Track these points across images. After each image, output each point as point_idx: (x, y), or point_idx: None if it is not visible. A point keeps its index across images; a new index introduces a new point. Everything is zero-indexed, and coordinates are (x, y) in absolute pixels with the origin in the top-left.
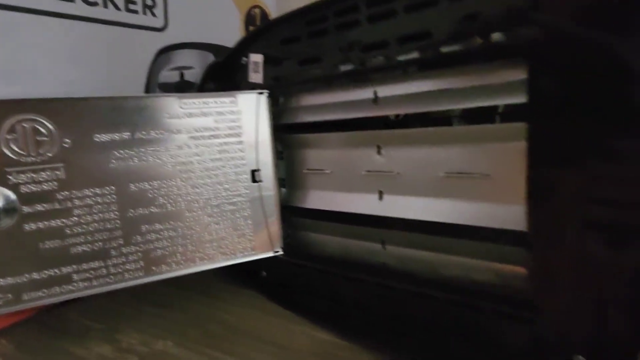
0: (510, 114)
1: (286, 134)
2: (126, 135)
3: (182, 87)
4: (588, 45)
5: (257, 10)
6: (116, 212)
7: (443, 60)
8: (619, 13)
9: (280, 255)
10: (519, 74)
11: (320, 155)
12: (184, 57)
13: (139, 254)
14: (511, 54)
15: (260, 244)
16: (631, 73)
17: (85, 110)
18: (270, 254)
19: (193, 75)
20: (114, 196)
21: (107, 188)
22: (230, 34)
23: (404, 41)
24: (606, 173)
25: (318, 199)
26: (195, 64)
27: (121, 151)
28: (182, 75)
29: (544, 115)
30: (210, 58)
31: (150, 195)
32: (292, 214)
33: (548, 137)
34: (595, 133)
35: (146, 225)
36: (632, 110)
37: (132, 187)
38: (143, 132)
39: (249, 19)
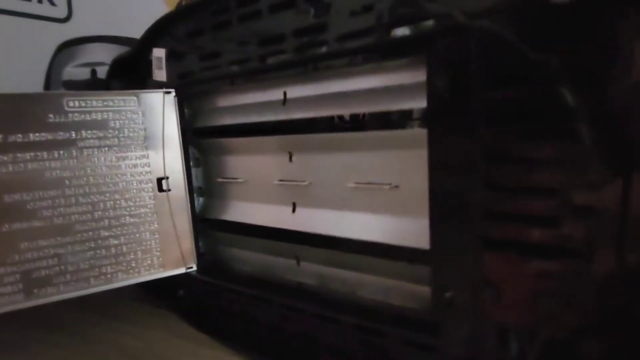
0: (416, 119)
1: (202, 138)
2: None
3: (94, 86)
4: (482, 38)
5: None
6: None
7: (341, 57)
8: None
9: (194, 272)
10: (422, 75)
11: (235, 162)
12: (95, 52)
13: (17, 275)
14: (410, 51)
15: (169, 260)
16: (538, 69)
17: None
18: (182, 271)
19: None
20: None
21: None
22: None
23: (300, 34)
24: (508, 185)
25: (234, 211)
26: (110, 60)
27: None
28: (94, 72)
29: (441, 119)
30: None
31: (29, 207)
32: (210, 227)
33: (446, 144)
34: (497, 140)
35: (26, 242)
36: (538, 114)
37: (7, 198)
38: (19, 135)
39: None
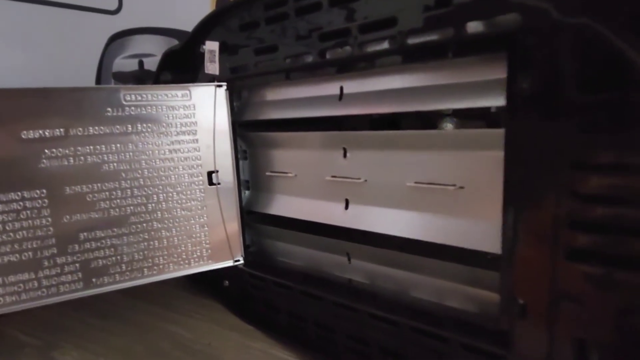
0: (489, 118)
1: (250, 131)
2: (59, 132)
3: (142, 77)
4: (579, 36)
5: None
6: (48, 219)
7: (410, 53)
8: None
9: (241, 265)
10: (500, 72)
11: (285, 156)
12: (143, 44)
13: (77, 264)
14: (489, 48)
15: (218, 253)
16: (632, 68)
17: (10, 103)
18: (230, 264)
19: (156, 64)
20: (46, 200)
21: (37, 191)
22: (200, 17)
23: (366, 29)
24: (594, 192)
25: (282, 205)
26: (157, 51)
27: (53, 150)
28: (141, 63)
29: (522, 120)
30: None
31: (89, 199)
32: (256, 220)
33: (527, 147)
34: (585, 142)
35: (85, 233)
36: (631, 114)
37: (68, 190)
38: (79, 129)
39: (220, 2)
